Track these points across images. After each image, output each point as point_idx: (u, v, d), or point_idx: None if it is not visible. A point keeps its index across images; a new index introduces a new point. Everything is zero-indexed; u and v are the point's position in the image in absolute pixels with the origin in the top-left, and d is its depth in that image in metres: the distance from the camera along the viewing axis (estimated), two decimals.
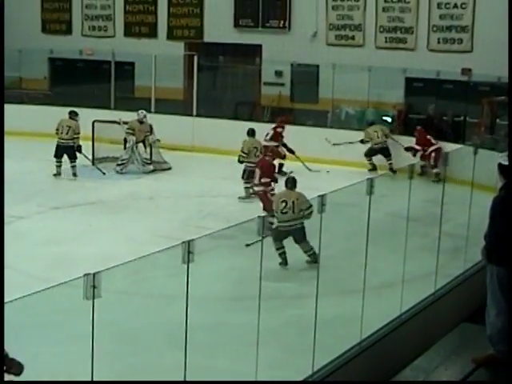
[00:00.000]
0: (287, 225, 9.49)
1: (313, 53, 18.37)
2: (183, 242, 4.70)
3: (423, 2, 17.47)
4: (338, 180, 11.62)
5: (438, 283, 7.45)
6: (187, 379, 4.99)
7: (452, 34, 17.28)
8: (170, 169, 15.73)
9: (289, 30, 18.88)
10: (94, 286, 4.14)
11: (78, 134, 14.82)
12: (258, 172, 11.91)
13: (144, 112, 15.64)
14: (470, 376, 5.54)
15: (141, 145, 15.52)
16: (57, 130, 14.88)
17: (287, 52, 18.45)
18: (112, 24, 20.98)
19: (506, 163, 5.51)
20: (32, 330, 6.70)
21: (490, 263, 5.46)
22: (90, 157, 15.38)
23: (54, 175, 14.68)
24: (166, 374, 5.98)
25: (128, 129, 15.43)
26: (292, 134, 15.42)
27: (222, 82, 20.07)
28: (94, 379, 4.42)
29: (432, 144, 15.15)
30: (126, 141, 15.48)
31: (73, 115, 15.01)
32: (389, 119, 17.26)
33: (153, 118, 16.10)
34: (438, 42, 17.47)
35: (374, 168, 15.65)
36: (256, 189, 11.86)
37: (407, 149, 15.36)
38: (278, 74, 18.96)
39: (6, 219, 10.22)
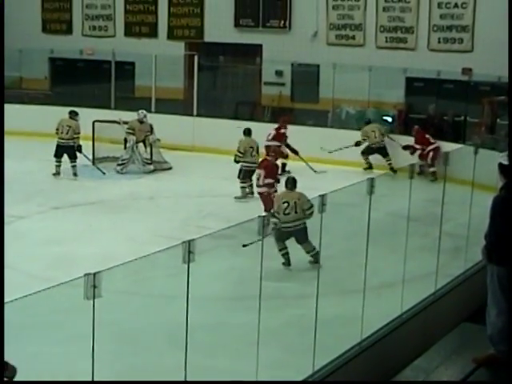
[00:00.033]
0: (290, 225, 9.48)
1: (313, 52, 18.37)
2: (184, 242, 4.69)
3: (424, 1, 17.47)
4: (337, 180, 11.61)
5: (439, 283, 7.46)
6: (187, 379, 4.99)
7: (452, 34, 17.27)
8: (170, 169, 15.72)
9: (289, 30, 18.88)
10: (94, 286, 4.14)
11: (78, 133, 14.82)
12: (262, 173, 11.69)
13: (144, 112, 15.64)
14: (470, 376, 5.54)
15: (141, 145, 15.52)
16: (57, 129, 14.88)
17: (287, 52, 18.44)
18: (112, 24, 20.98)
19: (507, 163, 5.51)
20: (32, 330, 6.70)
21: (490, 263, 5.46)
22: (91, 157, 15.37)
23: (54, 175, 14.69)
24: (166, 373, 5.98)
25: (128, 129, 15.42)
26: (292, 134, 15.40)
27: (222, 82, 20.06)
28: (95, 379, 4.42)
29: (430, 143, 15.17)
30: (126, 141, 15.47)
31: (73, 115, 15.01)
32: (389, 119, 17.27)
33: (153, 118, 16.10)
34: (439, 42, 17.46)
35: (370, 167, 15.68)
36: (259, 190, 11.70)
37: (405, 147, 15.37)
38: (279, 73, 18.96)
39: (7, 219, 10.23)
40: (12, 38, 19.70)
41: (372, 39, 18.09)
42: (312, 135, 16.20)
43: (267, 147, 14.09)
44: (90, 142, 15.59)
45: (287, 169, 14.87)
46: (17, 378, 3.99)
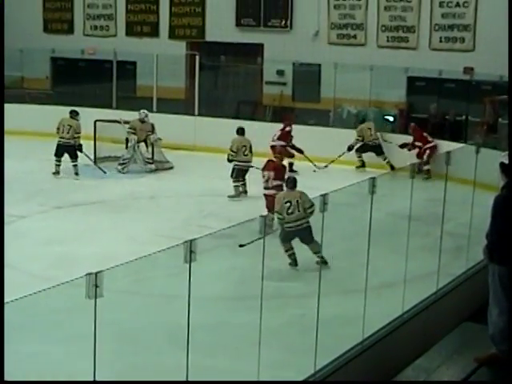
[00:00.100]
0: (295, 224, 9.47)
1: (314, 52, 18.36)
2: (185, 242, 4.69)
3: (425, 0, 17.46)
4: (337, 179, 11.60)
5: (440, 282, 7.45)
6: (188, 379, 4.99)
7: (454, 33, 17.26)
8: (172, 168, 15.72)
9: (290, 29, 18.88)
10: (96, 286, 4.14)
11: (79, 133, 14.82)
12: (271, 175, 11.48)
13: (145, 111, 15.64)
14: (471, 375, 5.54)
15: (142, 144, 15.52)
16: (57, 129, 14.87)
17: (289, 51, 18.44)
18: (114, 23, 20.98)
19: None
20: (34, 330, 6.70)
21: (491, 262, 5.46)
22: (92, 156, 15.37)
23: (53, 174, 14.68)
24: (167, 373, 5.98)
25: (129, 128, 15.43)
26: (294, 134, 15.41)
27: (223, 82, 20.06)
28: (96, 378, 4.42)
29: (428, 142, 15.19)
30: (127, 140, 15.48)
31: (73, 114, 15.01)
32: (391, 118, 17.28)
33: (154, 118, 16.10)
34: (440, 41, 17.45)
35: (362, 165, 15.71)
36: (267, 192, 11.46)
37: (402, 146, 15.38)
38: (280, 73, 18.95)
39: (8, 219, 10.24)
40: (13, 38, 19.70)
41: (373, 38, 18.09)
42: (313, 135, 16.19)
43: (272, 148, 14.08)
44: (92, 142, 15.58)
45: (295, 168, 14.90)
46: (17, 378, 3.99)
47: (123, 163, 15.31)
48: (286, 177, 11.64)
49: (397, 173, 12.71)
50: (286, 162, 13.47)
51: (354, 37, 18.30)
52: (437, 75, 16.47)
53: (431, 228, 8.53)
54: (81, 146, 14.80)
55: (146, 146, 15.57)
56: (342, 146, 15.64)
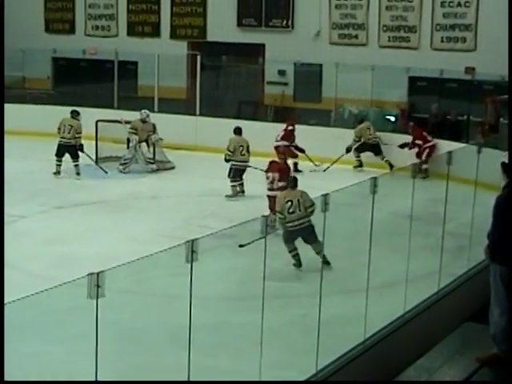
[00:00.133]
0: (297, 224, 9.47)
1: (316, 52, 18.36)
2: (187, 242, 4.69)
3: (426, 0, 17.46)
4: (338, 179, 11.60)
5: (442, 282, 7.44)
6: (190, 379, 4.99)
7: (455, 33, 17.26)
8: (173, 168, 15.73)
9: (292, 30, 18.88)
10: (97, 286, 4.14)
11: (80, 133, 14.81)
12: (276, 177, 11.37)
13: (147, 111, 15.64)
14: (473, 375, 5.54)
15: (144, 144, 15.52)
16: (58, 129, 14.87)
17: (290, 51, 18.44)
18: (115, 23, 20.99)
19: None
20: (35, 330, 6.70)
21: (493, 262, 5.45)
22: (93, 156, 15.37)
23: (54, 174, 14.68)
24: (169, 373, 5.98)
25: (131, 128, 15.44)
26: (295, 133, 15.42)
27: (225, 82, 20.06)
28: (97, 379, 4.42)
29: (427, 141, 15.19)
30: (129, 140, 15.49)
31: (74, 115, 15.01)
32: (392, 118, 17.28)
33: (156, 118, 16.10)
34: (442, 41, 17.45)
35: (360, 165, 15.72)
36: (272, 193, 11.36)
37: (402, 145, 15.37)
38: (281, 73, 18.96)
39: (9, 219, 10.24)
40: (15, 38, 19.70)
41: (375, 38, 18.09)
42: (314, 135, 16.19)
43: (276, 148, 14.07)
44: (93, 142, 15.59)
45: (299, 168, 14.92)
46: (18, 378, 3.99)
47: (124, 163, 15.32)
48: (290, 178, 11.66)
49: (398, 173, 12.70)
50: (290, 161, 13.44)
51: (356, 37, 18.29)
52: (438, 75, 16.47)
53: (433, 228, 8.53)
54: (82, 145, 14.80)
55: (148, 146, 15.57)
56: (343, 146, 15.65)
